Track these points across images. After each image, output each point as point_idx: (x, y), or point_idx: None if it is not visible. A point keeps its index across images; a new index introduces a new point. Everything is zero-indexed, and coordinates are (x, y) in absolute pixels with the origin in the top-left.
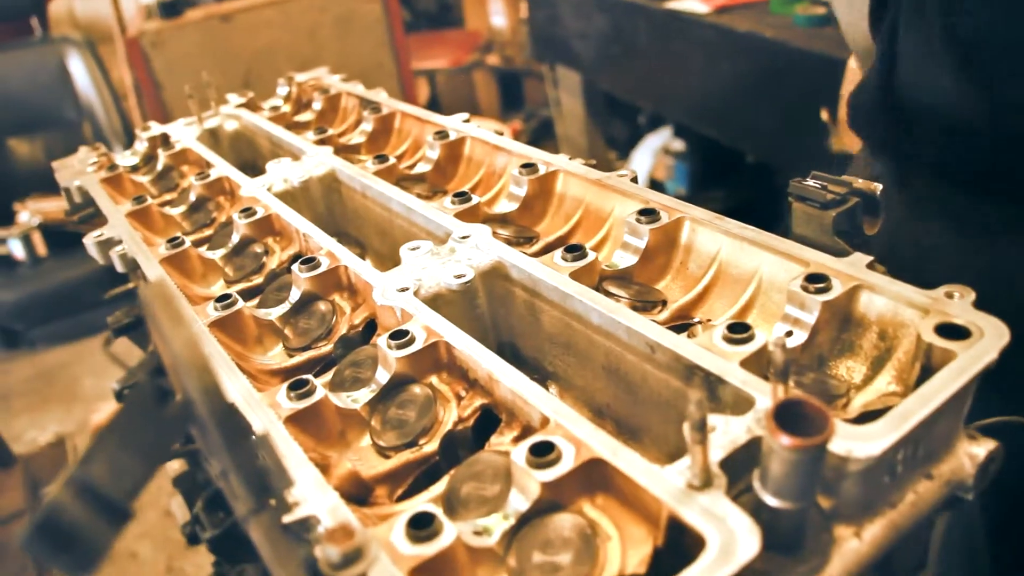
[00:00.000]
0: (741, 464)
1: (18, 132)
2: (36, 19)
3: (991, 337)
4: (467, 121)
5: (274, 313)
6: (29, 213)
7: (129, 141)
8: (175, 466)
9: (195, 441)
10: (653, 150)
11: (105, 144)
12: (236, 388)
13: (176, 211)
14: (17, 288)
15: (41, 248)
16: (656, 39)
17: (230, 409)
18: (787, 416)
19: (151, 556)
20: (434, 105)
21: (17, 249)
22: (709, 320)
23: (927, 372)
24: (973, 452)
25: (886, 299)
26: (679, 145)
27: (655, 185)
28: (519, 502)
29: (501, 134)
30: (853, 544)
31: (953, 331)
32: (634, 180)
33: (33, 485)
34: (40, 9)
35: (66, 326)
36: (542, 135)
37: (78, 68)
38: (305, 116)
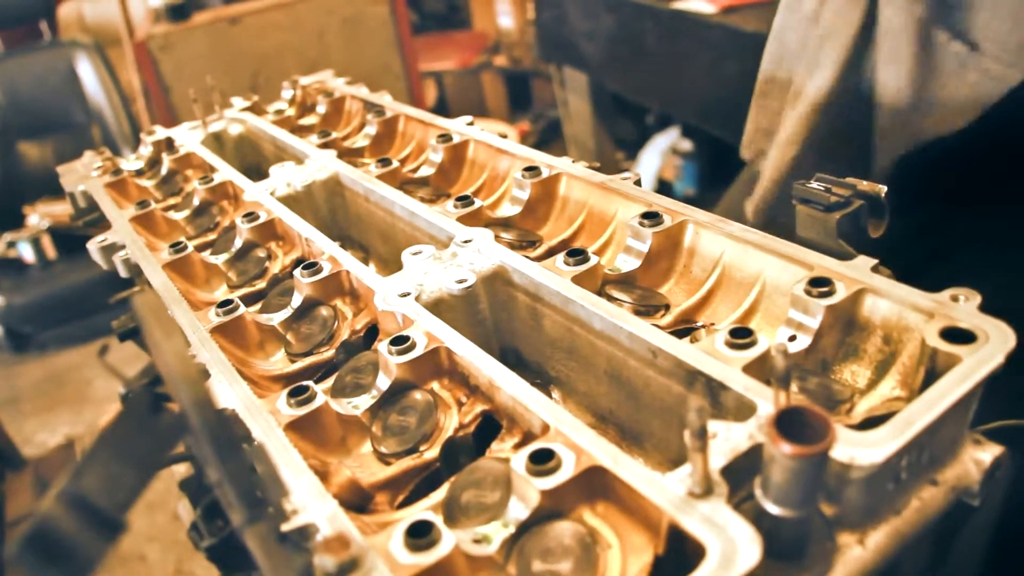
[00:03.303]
0: (743, 471)
1: (28, 136)
2: (45, 23)
3: (997, 341)
4: (471, 124)
5: (276, 318)
6: (39, 216)
7: (137, 144)
8: (181, 469)
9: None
10: (661, 150)
11: (113, 147)
12: (236, 395)
13: (180, 215)
14: (27, 291)
15: (51, 251)
16: (663, 39)
17: (222, 421)
18: (789, 423)
19: (160, 558)
20: (442, 106)
21: (27, 252)
22: (713, 324)
23: (932, 377)
24: (979, 457)
25: (891, 303)
26: (687, 145)
27: (663, 185)
28: (519, 510)
29: (505, 136)
30: (857, 552)
31: (958, 335)
32: (637, 183)
33: (42, 488)
34: (49, 13)
35: (76, 329)
36: (550, 136)
37: (87, 72)
38: (309, 119)
